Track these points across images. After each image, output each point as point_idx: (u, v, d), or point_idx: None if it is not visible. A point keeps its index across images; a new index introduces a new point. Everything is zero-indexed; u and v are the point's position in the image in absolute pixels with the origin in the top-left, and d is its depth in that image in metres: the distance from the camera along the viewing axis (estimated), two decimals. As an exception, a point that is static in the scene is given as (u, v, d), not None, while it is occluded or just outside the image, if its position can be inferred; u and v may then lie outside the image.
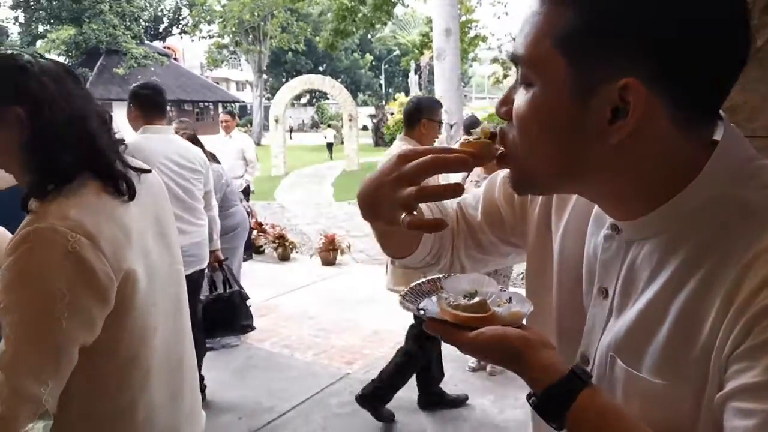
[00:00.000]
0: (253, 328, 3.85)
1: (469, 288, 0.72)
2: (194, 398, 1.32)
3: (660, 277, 0.61)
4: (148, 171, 1.21)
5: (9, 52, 1.07)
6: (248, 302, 3.72)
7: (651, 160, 0.58)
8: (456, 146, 0.70)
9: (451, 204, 0.93)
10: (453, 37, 10.42)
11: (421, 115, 3.09)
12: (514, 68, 0.64)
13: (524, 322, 0.67)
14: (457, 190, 0.64)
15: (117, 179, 1.06)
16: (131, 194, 1.08)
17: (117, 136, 1.17)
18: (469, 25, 19.85)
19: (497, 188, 0.89)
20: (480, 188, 0.93)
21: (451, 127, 9.76)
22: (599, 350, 0.67)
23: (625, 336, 0.63)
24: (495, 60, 26.08)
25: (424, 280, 0.76)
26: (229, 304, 3.57)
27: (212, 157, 4.28)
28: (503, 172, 0.90)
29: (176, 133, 4.13)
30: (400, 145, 3.16)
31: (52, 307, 0.91)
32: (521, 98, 0.60)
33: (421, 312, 0.69)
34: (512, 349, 0.62)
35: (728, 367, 0.53)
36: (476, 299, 0.69)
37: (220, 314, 3.47)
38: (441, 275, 0.77)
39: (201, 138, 4.12)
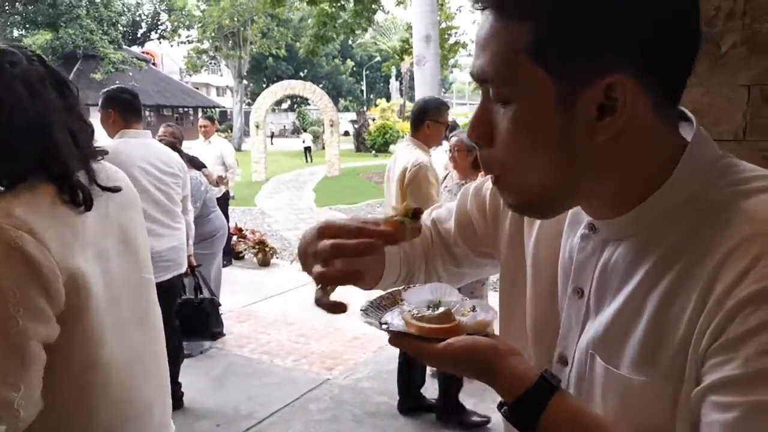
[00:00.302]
0: (222, 335, 3.89)
1: (431, 298, 0.70)
2: (164, 410, 1.30)
3: (635, 276, 0.61)
4: (118, 190, 1.21)
5: (2, 47, 1.05)
6: (227, 308, 3.73)
7: (640, 156, 0.59)
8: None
9: (424, 221, 0.92)
10: (433, 44, 10.49)
11: (426, 117, 3.12)
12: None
13: (494, 329, 0.67)
14: (372, 248, 0.65)
15: (74, 189, 1.05)
16: (87, 206, 1.07)
17: (97, 147, 1.17)
18: (449, 32, 20.03)
19: (469, 200, 0.89)
20: (453, 202, 0.93)
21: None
22: (578, 349, 0.67)
23: (603, 334, 0.63)
24: (475, 66, 26.20)
25: (383, 293, 0.75)
26: (200, 311, 3.58)
27: (191, 163, 4.27)
28: (475, 184, 0.91)
29: (162, 136, 4.15)
30: (407, 146, 3.21)
31: (5, 306, 0.90)
32: (503, 118, 0.59)
33: (384, 326, 0.68)
34: (482, 359, 0.62)
35: (705, 361, 0.53)
36: (440, 310, 0.67)
37: (189, 319, 3.46)
38: (401, 287, 0.75)
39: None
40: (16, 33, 29.48)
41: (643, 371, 0.59)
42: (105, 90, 3.07)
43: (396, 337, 0.66)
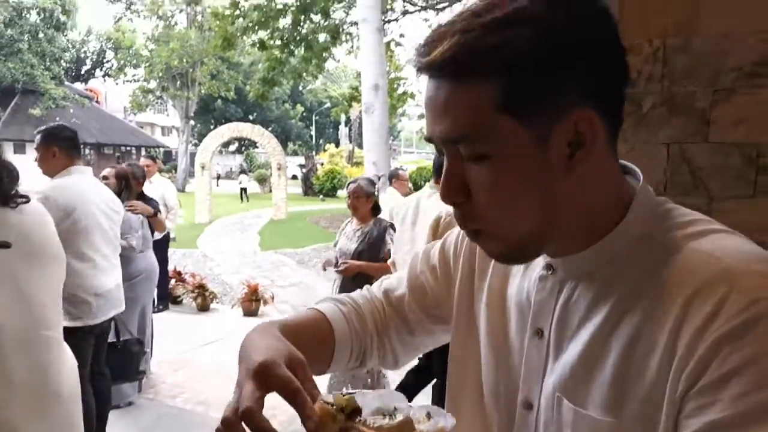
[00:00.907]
0: (143, 373, 3.82)
1: (380, 405, 0.66)
2: None
3: (596, 315, 0.62)
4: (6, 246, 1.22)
5: None
6: (161, 357, 3.58)
7: (602, 189, 0.63)
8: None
9: (376, 294, 0.91)
10: (381, 93, 10.75)
11: None
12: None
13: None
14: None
15: None
16: None
17: (16, 193, 1.16)
18: (398, 82, 20.55)
19: (419, 263, 0.89)
20: (401, 271, 0.93)
21: (379, 178, 9.95)
22: (544, 392, 0.67)
23: (569, 375, 0.63)
24: (422, 116, 26.94)
25: (334, 393, 0.71)
26: (125, 352, 3.44)
27: (148, 204, 4.20)
28: (424, 248, 0.91)
29: (119, 174, 4.05)
30: (433, 193, 3.36)
31: None
32: (479, 174, 0.60)
33: None
34: None
35: (684, 406, 0.53)
36: (399, 417, 0.64)
37: (114, 363, 3.30)
38: (351, 391, 0.72)
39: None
40: (-50, 65, 28.33)
41: (612, 412, 0.59)
42: (45, 128, 3.02)
43: None
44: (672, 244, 0.60)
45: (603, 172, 0.62)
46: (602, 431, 0.60)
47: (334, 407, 0.65)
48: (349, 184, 3.79)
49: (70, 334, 2.85)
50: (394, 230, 3.66)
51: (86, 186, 2.96)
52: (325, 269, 3.82)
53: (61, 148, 2.91)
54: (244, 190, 24.60)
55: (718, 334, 0.52)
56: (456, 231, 0.85)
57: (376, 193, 3.79)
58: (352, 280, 3.49)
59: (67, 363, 1.38)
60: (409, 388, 3.45)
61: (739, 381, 0.50)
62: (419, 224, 3.32)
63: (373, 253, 3.55)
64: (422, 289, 0.87)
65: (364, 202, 3.64)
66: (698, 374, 0.52)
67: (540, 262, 0.69)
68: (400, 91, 21.58)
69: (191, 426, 3.73)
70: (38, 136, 2.93)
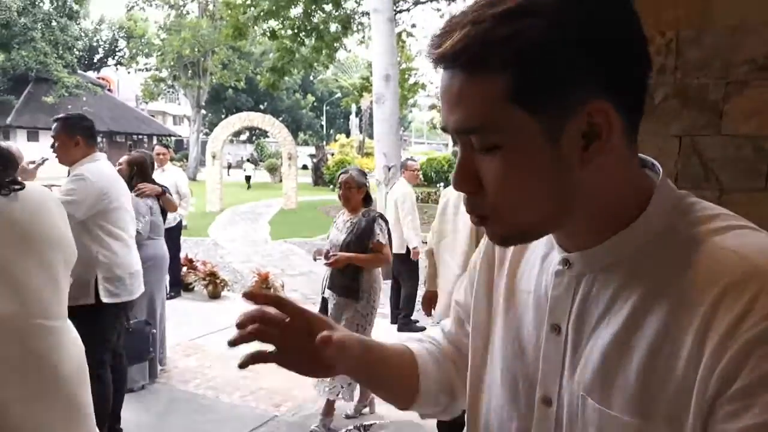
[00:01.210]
0: (153, 354, 3.92)
1: None
2: None
3: (617, 311, 0.61)
4: None
5: None
6: (173, 342, 3.64)
7: (619, 181, 0.61)
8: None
9: (444, 343, 0.92)
10: (392, 83, 10.73)
11: None
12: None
13: None
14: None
15: None
16: None
17: (10, 180, 1.18)
18: (408, 73, 20.48)
19: (455, 293, 0.90)
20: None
21: (389, 169, 9.95)
22: (566, 391, 0.66)
23: (592, 374, 0.62)
24: (433, 106, 26.96)
25: (350, 428, 0.74)
26: (135, 334, 3.54)
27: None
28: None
29: (132, 161, 4.13)
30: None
31: None
32: (490, 165, 0.60)
33: None
34: None
35: (717, 410, 0.52)
36: None
37: (126, 345, 3.39)
38: (364, 424, 0.75)
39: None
40: (-35, 52, 28.55)
41: (638, 413, 0.58)
42: (65, 116, 3.10)
43: None
44: (696, 239, 0.58)
45: (620, 165, 0.61)
46: (629, 431, 0.58)
47: None
48: (340, 174, 3.71)
49: (107, 311, 2.98)
50: (385, 221, 3.61)
51: (113, 172, 3.19)
52: (315, 259, 3.75)
53: (83, 137, 3.02)
54: (248, 177, 26.06)
55: (749, 335, 0.50)
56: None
57: (367, 184, 3.71)
58: (341, 271, 3.47)
59: (68, 348, 1.38)
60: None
61: None
62: (461, 214, 3.30)
63: (360, 244, 3.47)
64: (458, 314, 0.89)
65: (355, 193, 3.58)
66: (731, 377, 0.51)
67: (557, 257, 0.68)
68: (411, 81, 21.52)
69: (202, 410, 3.80)
70: (58, 125, 2.99)
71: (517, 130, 0.58)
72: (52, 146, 3.03)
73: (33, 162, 3.13)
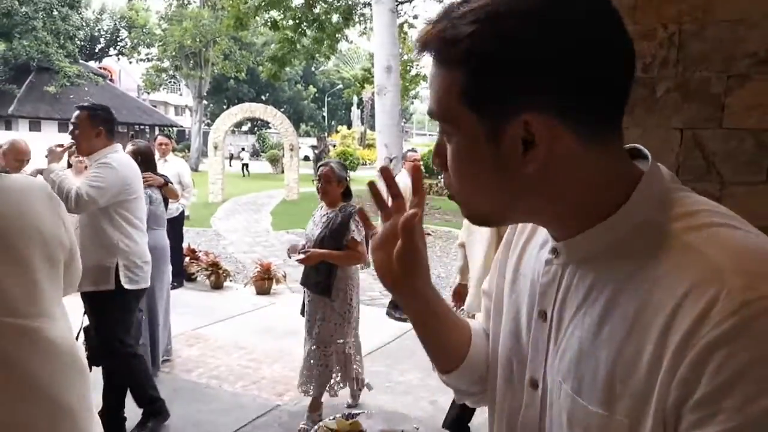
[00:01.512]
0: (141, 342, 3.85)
1: (388, 428, 0.69)
2: None
3: (592, 304, 0.62)
4: None
5: None
6: (176, 331, 3.65)
7: (574, 183, 0.62)
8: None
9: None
10: (394, 75, 10.70)
11: None
12: None
13: None
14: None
15: None
16: None
17: None
18: (410, 64, 20.41)
19: (485, 283, 0.91)
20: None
21: (391, 160, 9.96)
22: (549, 375, 0.69)
23: (568, 362, 0.64)
24: (435, 98, 26.70)
25: (336, 416, 0.73)
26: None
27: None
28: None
29: (136, 151, 4.16)
30: None
31: None
32: (448, 149, 0.66)
33: None
34: None
35: (683, 418, 0.52)
36: None
37: None
38: (352, 413, 0.73)
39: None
40: (-33, 41, 28.47)
41: (603, 405, 0.59)
42: (91, 106, 3.19)
43: None
44: (671, 234, 0.58)
45: (573, 170, 0.61)
46: (594, 422, 0.60)
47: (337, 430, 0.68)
48: (319, 167, 3.56)
49: (127, 297, 3.08)
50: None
51: (133, 162, 3.27)
52: (290, 257, 3.58)
53: (105, 129, 3.10)
54: (245, 165, 27.42)
55: (708, 339, 0.50)
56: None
57: (348, 178, 3.56)
58: (315, 268, 3.37)
59: (44, 349, 1.30)
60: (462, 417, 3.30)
61: (738, 389, 0.49)
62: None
63: (334, 240, 3.33)
64: (486, 305, 0.90)
65: (335, 187, 3.42)
66: (692, 382, 0.51)
67: (550, 245, 0.70)
68: (413, 73, 21.45)
69: (206, 399, 3.83)
70: (82, 114, 3.06)
71: (465, 127, 0.62)
72: (72, 133, 3.08)
73: (61, 145, 3.12)
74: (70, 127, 3.10)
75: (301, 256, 3.33)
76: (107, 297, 3.00)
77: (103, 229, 3.02)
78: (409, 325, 0.93)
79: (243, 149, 30.02)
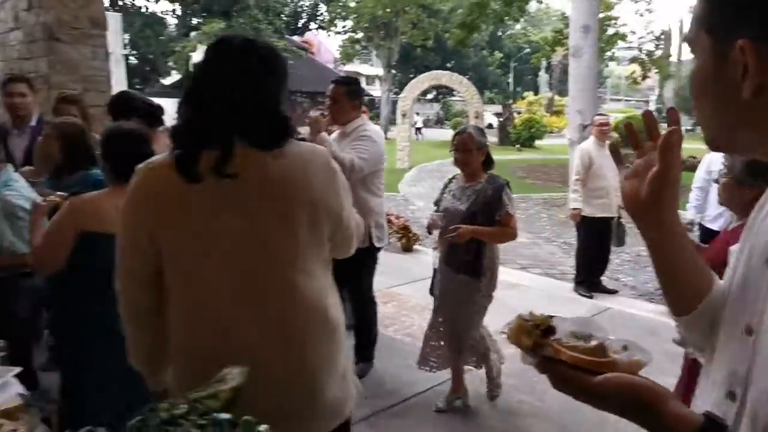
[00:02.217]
0: None
1: (578, 330, 0.68)
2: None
3: None
4: None
5: None
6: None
7: None
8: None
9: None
10: (591, 35, 9.98)
11: None
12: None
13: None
14: None
15: None
16: None
17: None
18: (607, 23, 18.89)
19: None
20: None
21: (584, 128, 9.38)
22: (765, 322, 0.67)
23: None
24: (634, 59, 24.48)
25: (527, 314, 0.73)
26: None
27: None
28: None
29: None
30: None
31: None
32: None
33: (531, 352, 0.67)
34: (640, 400, 0.63)
35: None
36: (593, 342, 0.66)
37: None
38: (548, 315, 0.73)
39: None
40: (194, 21, 32.66)
41: None
42: (349, 80, 3.67)
43: (546, 363, 0.68)
44: None
45: None
46: None
47: (531, 323, 0.69)
48: (455, 135, 3.20)
49: (375, 253, 3.75)
50: (511, 189, 3.14)
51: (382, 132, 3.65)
52: (430, 232, 3.37)
53: (360, 102, 3.53)
54: (418, 129, 30.08)
55: None
56: None
57: (488, 144, 3.23)
58: (462, 246, 3.05)
59: (298, 303, 1.46)
60: None
61: None
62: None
63: (488, 215, 3.03)
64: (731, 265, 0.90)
65: (476, 155, 3.09)
66: None
67: None
68: (609, 32, 19.84)
69: (400, 353, 4.08)
70: (341, 88, 3.42)
71: (702, 47, 0.71)
72: (329, 106, 3.41)
73: (324, 115, 3.44)
74: (327, 102, 3.42)
75: (451, 233, 3.04)
76: (363, 253, 3.15)
77: (361, 196, 3.32)
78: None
79: (416, 113, 30.66)
